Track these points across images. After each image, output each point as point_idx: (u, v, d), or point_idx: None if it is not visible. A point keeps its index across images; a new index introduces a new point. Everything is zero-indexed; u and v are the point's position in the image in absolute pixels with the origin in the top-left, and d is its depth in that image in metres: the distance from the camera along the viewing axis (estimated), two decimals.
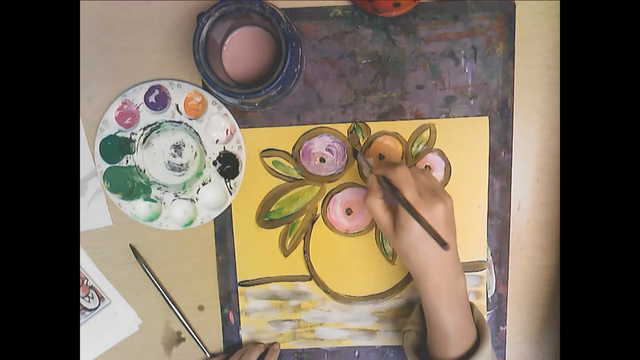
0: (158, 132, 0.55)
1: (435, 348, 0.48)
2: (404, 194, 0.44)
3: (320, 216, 0.57)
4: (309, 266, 0.57)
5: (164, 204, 0.56)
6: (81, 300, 0.58)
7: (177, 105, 0.54)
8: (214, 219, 0.56)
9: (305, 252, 0.57)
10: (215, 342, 0.59)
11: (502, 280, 0.57)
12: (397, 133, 0.55)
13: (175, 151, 0.55)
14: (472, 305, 0.50)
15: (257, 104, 0.52)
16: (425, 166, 0.55)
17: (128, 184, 0.55)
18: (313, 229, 0.57)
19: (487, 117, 0.54)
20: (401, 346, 0.58)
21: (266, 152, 0.55)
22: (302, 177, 0.56)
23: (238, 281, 0.57)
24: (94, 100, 0.55)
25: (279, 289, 0.58)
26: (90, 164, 0.56)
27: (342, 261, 0.57)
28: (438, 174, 0.56)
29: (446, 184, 0.56)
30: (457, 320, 0.47)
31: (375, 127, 0.55)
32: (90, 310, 0.58)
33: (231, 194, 0.55)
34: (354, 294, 0.58)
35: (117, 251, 0.57)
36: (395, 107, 0.55)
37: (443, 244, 0.41)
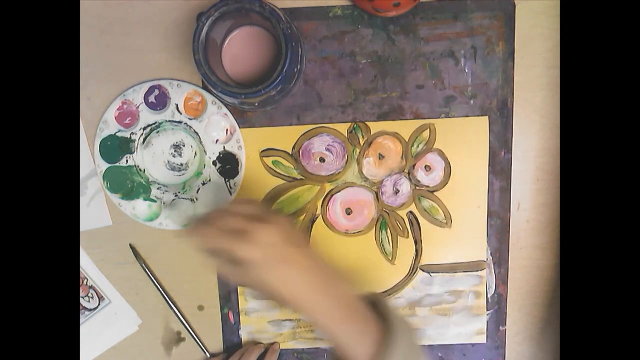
0: (158, 132, 0.55)
1: None
2: (214, 247, 0.41)
3: (320, 216, 0.57)
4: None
5: (164, 204, 0.56)
6: (81, 300, 0.58)
7: (177, 105, 0.54)
8: None
9: None
10: (215, 342, 0.59)
11: (502, 280, 0.57)
12: (397, 133, 0.55)
13: (175, 151, 0.55)
14: (377, 302, 0.45)
15: (257, 104, 0.52)
16: (425, 166, 0.55)
17: (128, 184, 0.55)
18: (313, 229, 0.57)
19: (487, 117, 0.54)
20: None
21: (266, 152, 0.55)
22: (302, 177, 0.56)
23: None
24: (94, 100, 0.55)
25: None
26: (90, 164, 0.56)
27: (342, 261, 0.57)
28: (438, 174, 0.56)
29: (446, 184, 0.56)
30: (350, 329, 0.42)
31: (375, 127, 0.55)
32: (90, 310, 0.58)
33: (231, 194, 0.55)
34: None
35: (117, 251, 0.57)
36: (395, 107, 0.55)
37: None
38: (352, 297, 0.43)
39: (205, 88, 0.54)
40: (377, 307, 0.44)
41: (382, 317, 0.43)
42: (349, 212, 0.56)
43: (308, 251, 0.43)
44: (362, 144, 0.55)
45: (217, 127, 0.54)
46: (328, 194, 0.56)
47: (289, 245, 0.41)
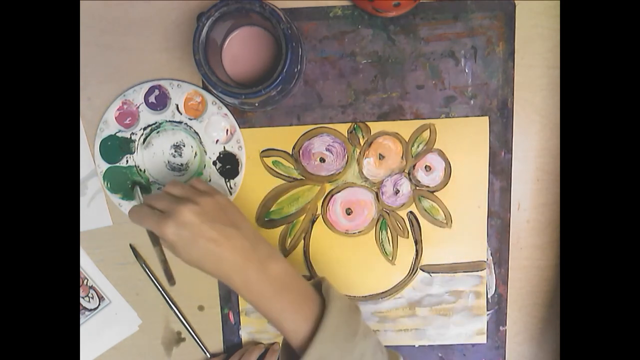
0: (158, 132, 0.55)
1: (288, 340, 0.44)
2: (144, 226, 0.46)
3: (320, 216, 0.57)
4: (309, 266, 0.57)
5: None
6: (81, 300, 0.58)
7: (177, 105, 0.54)
8: None
9: (305, 252, 0.57)
10: (215, 342, 0.59)
11: (502, 280, 0.57)
12: (397, 133, 0.55)
13: (175, 151, 0.55)
14: (319, 282, 0.46)
15: (257, 104, 0.52)
16: (425, 166, 0.55)
17: (128, 184, 0.55)
18: (313, 229, 0.57)
19: (487, 117, 0.54)
20: (401, 346, 0.58)
21: (266, 152, 0.55)
22: (302, 177, 0.56)
23: None
24: (94, 100, 0.55)
25: None
26: (90, 164, 0.56)
27: (342, 261, 0.57)
28: (438, 174, 0.56)
29: (446, 184, 0.56)
30: (283, 305, 0.43)
31: (375, 127, 0.55)
32: (90, 310, 0.58)
33: (231, 194, 0.55)
34: (354, 294, 0.58)
35: (117, 251, 0.57)
36: (395, 107, 0.55)
37: (169, 279, 0.44)
38: (286, 274, 0.44)
39: (205, 88, 0.54)
40: (320, 288, 0.45)
41: (324, 297, 0.44)
42: (349, 212, 0.56)
43: (237, 230, 0.44)
44: (362, 144, 0.55)
45: (217, 127, 0.54)
46: (328, 194, 0.56)
47: (210, 223, 0.43)
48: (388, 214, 0.56)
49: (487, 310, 0.58)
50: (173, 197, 0.45)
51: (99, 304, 0.58)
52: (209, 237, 0.42)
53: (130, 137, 0.55)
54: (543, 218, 0.56)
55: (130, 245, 0.57)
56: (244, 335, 0.59)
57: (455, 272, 0.57)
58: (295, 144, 0.55)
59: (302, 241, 0.57)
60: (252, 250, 0.44)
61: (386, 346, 0.59)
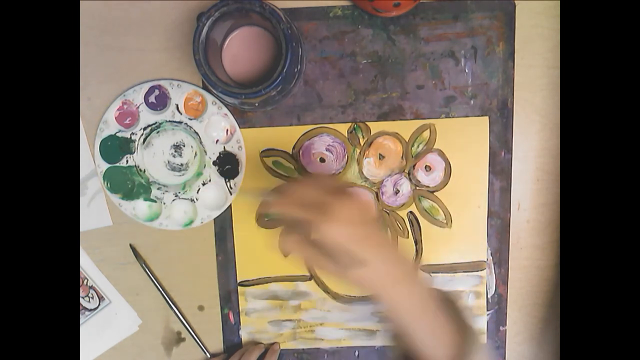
0: (158, 132, 0.55)
1: None
2: (296, 216, 0.38)
3: None
4: (309, 266, 0.57)
5: (164, 204, 0.56)
6: (81, 300, 0.58)
7: (177, 105, 0.54)
8: (214, 219, 0.56)
9: None
10: (215, 342, 0.59)
11: (502, 280, 0.57)
12: (397, 133, 0.55)
13: (175, 151, 0.55)
14: (452, 301, 0.42)
15: (257, 104, 0.52)
16: (425, 166, 0.55)
17: (128, 184, 0.55)
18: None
19: (487, 117, 0.54)
20: None
21: (266, 152, 0.55)
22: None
23: (238, 281, 0.57)
24: (94, 100, 0.55)
25: (279, 289, 0.58)
26: (90, 164, 0.56)
27: None
28: (438, 174, 0.56)
29: (446, 184, 0.56)
30: (426, 327, 0.39)
31: (375, 127, 0.55)
32: (90, 310, 0.58)
33: (231, 194, 0.55)
34: (354, 294, 0.58)
35: (117, 251, 0.57)
36: (395, 107, 0.55)
37: (357, 261, 0.36)
38: (428, 292, 0.40)
39: (205, 88, 0.54)
40: (448, 305, 0.41)
41: (454, 317, 0.40)
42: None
43: (387, 236, 0.40)
44: (362, 144, 0.55)
45: (217, 127, 0.54)
46: None
47: (368, 225, 0.38)
48: (388, 214, 0.56)
49: (487, 310, 0.58)
50: (324, 190, 0.39)
51: (99, 304, 0.58)
52: (371, 242, 0.38)
53: (130, 137, 0.55)
54: (543, 218, 0.56)
55: (130, 245, 0.57)
56: (244, 335, 0.59)
57: (455, 272, 0.57)
58: (295, 144, 0.55)
59: None
60: (401, 261, 0.40)
61: (386, 346, 0.59)
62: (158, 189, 0.55)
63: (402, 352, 0.43)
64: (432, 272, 0.57)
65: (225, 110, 0.54)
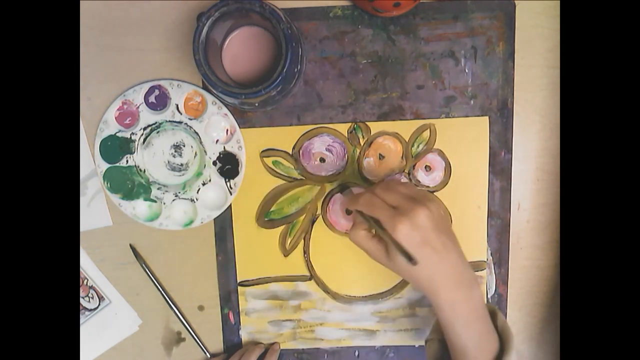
0: (158, 132, 0.55)
1: None
2: (374, 215, 0.43)
3: (320, 216, 0.57)
4: (309, 266, 0.57)
5: (164, 204, 0.56)
6: (81, 300, 0.58)
7: (177, 105, 0.54)
8: (214, 219, 0.56)
9: (305, 252, 0.57)
10: (215, 342, 0.59)
11: (502, 280, 0.57)
12: (397, 133, 0.55)
13: (175, 151, 0.55)
14: (495, 313, 0.46)
15: (257, 104, 0.52)
16: (425, 166, 0.55)
17: (128, 184, 0.55)
18: (313, 229, 0.57)
19: (487, 117, 0.54)
20: (401, 346, 0.58)
21: (266, 152, 0.55)
22: (302, 177, 0.56)
23: (238, 281, 0.57)
24: (94, 100, 0.55)
25: (279, 289, 0.58)
26: (90, 164, 0.56)
27: (342, 261, 0.57)
28: (438, 174, 0.56)
29: (446, 184, 0.56)
30: (475, 334, 0.43)
31: (375, 127, 0.55)
32: (90, 310, 0.58)
33: (231, 194, 0.55)
34: (354, 294, 0.58)
35: (117, 251, 0.57)
36: (395, 107, 0.55)
37: (410, 259, 0.40)
38: (482, 301, 0.44)
39: (205, 88, 0.54)
40: (493, 317, 0.45)
41: (497, 327, 0.45)
42: (349, 212, 0.56)
43: (454, 245, 0.43)
44: (362, 144, 0.55)
45: (217, 127, 0.54)
46: (328, 194, 0.56)
47: (437, 232, 0.42)
48: None
49: None
50: (405, 195, 0.44)
51: (99, 304, 0.58)
52: (434, 247, 0.42)
53: (130, 137, 0.55)
54: (543, 218, 0.56)
55: (130, 245, 0.57)
56: (244, 335, 0.59)
57: None
58: (295, 144, 0.55)
59: (302, 241, 0.57)
60: (465, 270, 0.44)
61: (386, 346, 0.59)
62: (158, 189, 0.55)
63: (436, 354, 0.48)
64: None
65: (225, 110, 0.54)
